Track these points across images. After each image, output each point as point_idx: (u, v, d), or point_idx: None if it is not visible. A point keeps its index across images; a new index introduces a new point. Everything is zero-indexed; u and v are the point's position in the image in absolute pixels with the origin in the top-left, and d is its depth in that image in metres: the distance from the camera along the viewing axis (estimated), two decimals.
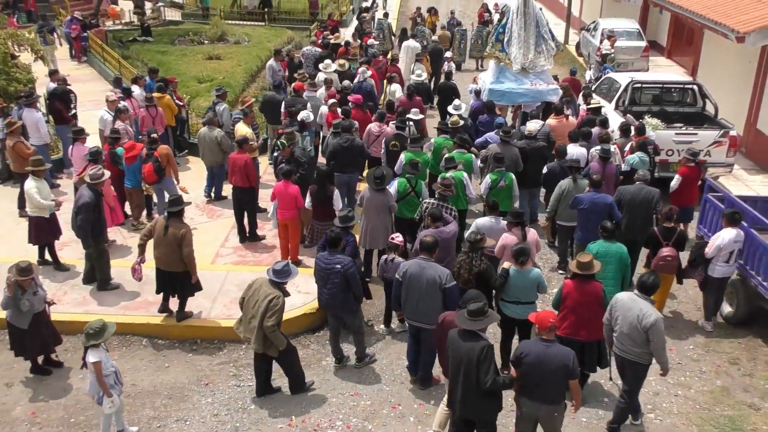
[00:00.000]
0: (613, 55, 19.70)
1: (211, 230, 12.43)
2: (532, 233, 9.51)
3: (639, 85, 15.45)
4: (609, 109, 14.94)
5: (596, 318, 7.97)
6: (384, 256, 9.65)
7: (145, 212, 12.67)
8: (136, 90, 15.41)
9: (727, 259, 9.69)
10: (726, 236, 9.60)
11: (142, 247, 9.60)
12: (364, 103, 14.48)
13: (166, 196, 11.48)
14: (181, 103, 15.84)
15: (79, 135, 12.29)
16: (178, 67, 21.56)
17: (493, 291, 8.72)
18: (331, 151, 12.22)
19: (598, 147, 11.93)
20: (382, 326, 10.09)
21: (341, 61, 17.50)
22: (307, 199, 10.91)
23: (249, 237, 12.05)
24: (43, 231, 10.82)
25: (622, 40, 21.66)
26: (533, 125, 13.19)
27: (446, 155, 11.59)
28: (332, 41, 20.03)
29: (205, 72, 21.12)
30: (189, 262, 9.34)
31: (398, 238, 9.55)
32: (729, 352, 9.67)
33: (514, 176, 11.40)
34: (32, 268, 8.41)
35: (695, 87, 15.60)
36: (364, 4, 31.32)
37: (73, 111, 15.13)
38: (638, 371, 7.74)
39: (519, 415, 7.16)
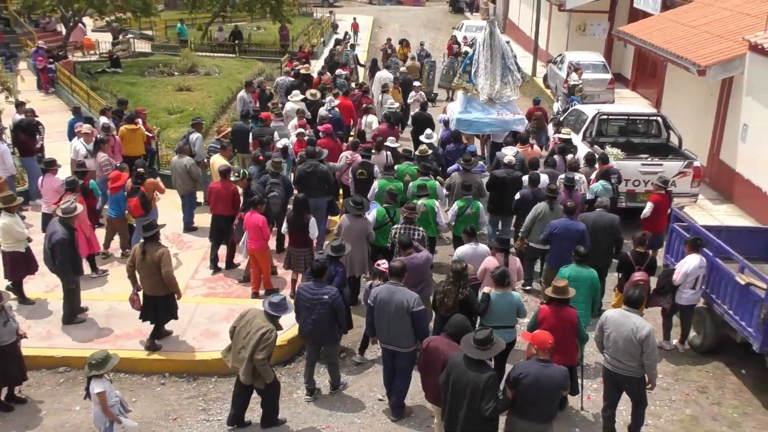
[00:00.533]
0: (581, 86, 20.07)
1: (180, 261, 12.30)
2: (514, 260, 9.66)
3: (605, 116, 15.74)
4: (576, 140, 15.17)
5: (570, 343, 8.09)
6: (369, 282, 9.70)
7: (124, 243, 12.54)
8: (104, 120, 15.38)
9: (693, 286, 9.87)
10: (691, 263, 9.81)
11: (132, 277, 9.55)
12: (333, 132, 14.62)
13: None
14: (151, 135, 15.75)
15: (51, 166, 12.16)
16: (148, 99, 21.49)
17: (476, 317, 8.72)
18: (296, 176, 12.46)
19: (563, 176, 12.23)
20: (357, 355, 10.00)
21: (313, 91, 17.71)
22: (284, 226, 10.99)
23: (226, 265, 12.05)
24: (19, 266, 10.60)
25: (588, 73, 22.08)
26: (510, 153, 13.31)
27: (417, 182, 11.76)
28: (303, 72, 20.26)
29: (175, 103, 21.07)
30: (168, 282, 9.35)
31: (384, 264, 9.44)
32: (697, 380, 9.76)
33: (480, 204, 11.57)
34: (2, 296, 8.23)
35: (659, 119, 15.93)
36: (337, 37, 31.59)
37: (40, 143, 14.99)
38: (637, 385, 7.99)
39: None
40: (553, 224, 10.69)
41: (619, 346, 7.81)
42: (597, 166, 13.23)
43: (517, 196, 12.21)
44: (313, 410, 8.88)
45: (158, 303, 9.55)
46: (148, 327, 9.82)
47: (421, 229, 10.48)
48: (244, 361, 7.83)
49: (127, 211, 12.03)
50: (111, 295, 11.08)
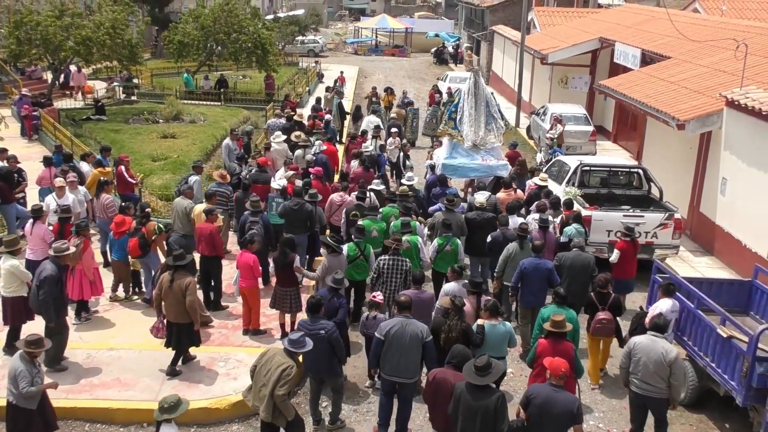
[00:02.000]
0: (555, 139, 20.51)
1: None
2: (488, 300, 9.84)
3: (588, 168, 15.94)
4: (559, 191, 15.32)
5: (569, 377, 8.16)
6: (366, 314, 10.13)
7: (126, 286, 12.51)
8: (85, 167, 15.54)
9: None
10: (663, 306, 9.97)
11: (159, 307, 10.03)
12: (323, 175, 15.23)
13: (152, 270, 11.86)
14: (134, 181, 15.74)
15: (38, 214, 12.00)
16: (132, 146, 21.50)
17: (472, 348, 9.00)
18: (281, 212, 13.14)
19: (537, 217, 12.70)
20: (368, 381, 10.39)
21: (297, 133, 18.32)
22: (271, 266, 11.32)
23: (213, 306, 12.13)
24: (21, 311, 10.38)
25: (571, 125, 22.43)
26: (481, 197, 13.93)
27: (400, 221, 12.34)
28: (296, 118, 20.73)
29: (159, 150, 21.08)
30: (192, 311, 9.81)
31: (379, 296, 10.05)
32: None
33: (459, 241, 12.08)
34: (43, 341, 8.18)
35: (641, 171, 16.15)
36: (327, 85, 31.83)
37: (22, 192, 14.87)
38: (663, 405, 8.71)
39: None
40: (523, 263, 11.08)
41: (649, 370, 8.46)
42: (562, 210, 13.65)
43: (489, 238, 12.57)
44: None
45: (181, 330, 9.96)
46: (126, 377, 9.75)
47: (407, 260, 10.95)
48: (265, 399, 7.93)
49: (131, 258, 12.07)
50: (89, 344, 10.89)
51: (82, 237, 11.22)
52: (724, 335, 9.27)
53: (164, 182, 17.75)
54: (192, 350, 10.77)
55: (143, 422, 9.28)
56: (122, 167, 15.41)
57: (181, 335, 10.01)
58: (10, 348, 10.37)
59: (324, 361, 8.87)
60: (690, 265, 15.20)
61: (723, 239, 15.41)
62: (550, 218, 12.75)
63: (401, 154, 18.72)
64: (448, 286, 10.36)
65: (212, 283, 12.23)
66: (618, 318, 10.49)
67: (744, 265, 14.16)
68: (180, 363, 10.20)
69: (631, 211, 14.41)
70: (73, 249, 10.54)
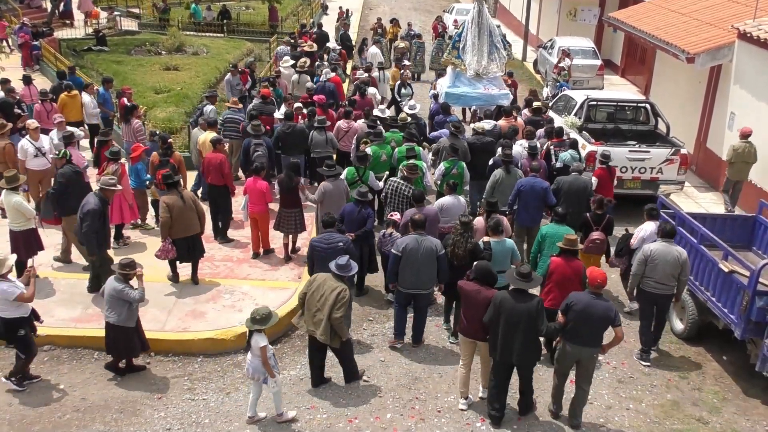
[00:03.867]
0: (566, 72, 20.24)
1: None
2: (500, 218, 10.34)
3: (594, 102, 15.76)
4: (565, 126, 15.19)
5: (578, 291, 8.65)
6: (383, 231, 10.62)
7: (143, 214, 12.72)
8: (87, 98, 15.57)
9: None
10: (648, 228, 10.35)
11: (166, 231, 10.42)
12: (326, 103, 15.56)
13: None
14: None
15: (70, 140, 12.28)
16: (135, 78, 21.27)
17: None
18: (275, 137, 13.68)
19: (526, 144, 13.19)
20: (388, 295, 11.01)
21: (304, 59, 18.48)
22: (276, 189, 11.76)
23: (220, 236, 12.39)
24: (32, 244, 10.45)
25: (578, 59, 22.09)
26: (484, 124, 14.30)
27: (404, 146, 12.73)
28: (307, 49, 20.58)
29: (162, 83, 20.86)
30: (202, 215, 10.76)
31: (396, 215, 10.60)
32: (679, 366, 9.86)
33: (465, 165, 12.49)
34: (135, 263, 8.57)
35: (648, 105, 15.97)
36: (328, 17, 31.37)
37: (23, 123, 14.75)
38: (670, 301, 9.80)
39: (561, 356, 8.30)
40: (520, 182, 11.62)
41: (666, 272, 9.39)
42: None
43: (491, 162, 12.87)
44: (297, 390, 8.91)
45: (195, 240, 10.64)
46: None
47: (412, 187, 11.31)
48: (322, 322, 8.35)
49: (152, 187, 12.21)
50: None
51: (119, 163, 11.37)
52: (726, 270, 9.33)
53: (168, 115, 17.62)
54: (200, 281, 10.91)
55: (151, 351, 9.44)
56: (124, 99, 15.30)
57: (196, 246, 10.66)
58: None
59: None
60: (694, 200, 15.18)
61: None
62: (538, 145, 13.23)
63: (399, 82, 18.94)
64: (443, 200, 10.99)
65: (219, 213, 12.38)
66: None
67: (748, 200, 14.14)
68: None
69: (636, 146, 14.31)
70: (120, 187, 10.70)
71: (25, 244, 10.41)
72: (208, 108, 14.65)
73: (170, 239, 10.40)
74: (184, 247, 10.55)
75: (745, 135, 13.84)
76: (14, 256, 8.99)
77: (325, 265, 9.04)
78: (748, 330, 9.01)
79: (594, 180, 12.50)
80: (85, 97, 15.56)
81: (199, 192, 13.33)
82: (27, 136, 12.47)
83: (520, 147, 13.20)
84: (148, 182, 12.25)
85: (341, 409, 8.61)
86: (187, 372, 9.22)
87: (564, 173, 12.47)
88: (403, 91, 18.59)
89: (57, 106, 15.16)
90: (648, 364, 9.83)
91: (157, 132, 13.21)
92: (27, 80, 16.44)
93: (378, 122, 14.19)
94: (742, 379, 9.60)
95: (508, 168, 12.06)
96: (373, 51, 22.10)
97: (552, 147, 13.56)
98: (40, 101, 15.24)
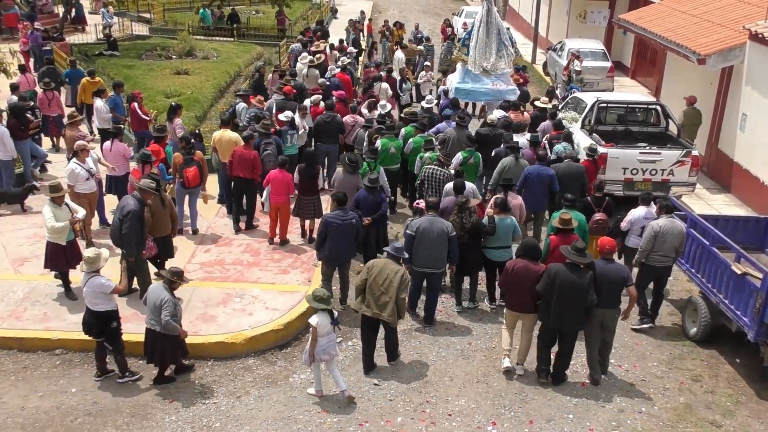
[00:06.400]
0: (581, 75, 20.25)
1: (177, 245, 12.26)
2: (515, 196, 11.40)
3: (604, 104, 15.70)
4: (575, 128, 15.15)
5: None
6: (409, 219, 10.89)
7: None
8: (99, 102, 15.59)
9: (639, 234, 10.84)
10: (637, 213, 10.95)
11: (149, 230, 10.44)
12: (345, 98, 16.48)
13: (186, 203, 12.56)
14: (148, 118, 15.71)
15: (119, 132, 13.01)
16: (145, 82, 21.37)
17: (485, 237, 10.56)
18: (316, 124, 14.48)
19: (528, 136, 14.05)
20: None
21: (319, 55, 19.74)
22: (296, 176, 12.26)
23: (246, 225, 12.93)
24: (59, 258, 10.25)
25: (588, 61, 22.00)
26: (495, 115, 15.12)
27: (421, 137, 13.61)
28: (313, 49, 21.06)
29: (172, 87, 20.93)
30: (175, 218, 10.88)
31: (421, 203, 10.85)
32: (692, 369, 9.80)
33: (480, 155, 13.19)
34: (184, 274, 8.76)
35: (658, 107, 15.91)
36: (351, 18, 31.30)
37: (36, 128, 14.86)
38: (670, 271, 10.57)
39: (588, 322, 9.05)
40: (528, 170, 12.36)
41: (673, 245, 10.12)
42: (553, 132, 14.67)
43: (493, 153, 13.53)
44: (308, 394, 8.90)
45: (167, 241, 10.73)
46: (144, 309, 9.79)
47: (446, 171, 12.08)
48: (388, 304, 8.93)
49: (171, 186, 12.43)
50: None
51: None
52: (739, 272, 9.27)
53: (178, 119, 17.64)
54: (208, 286, 10.94)
55: (189, 357, 9.38)
56: (135, 104, 15.38)
57: (168, 245, 10.77)
58: (68, 291, 10.45)
59: (351, 245, 10.43)
60: (706, 202, 15.09)
61: (740, 176, 15.25)
62: (540, 135, 14.07)
63: (399, 78, 19.42)
64: (449, 185, 11.48)
65: (244, 206, 12.93)
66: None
67: (761, 202, 14.06)
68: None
69: (647, 148, 14.24)
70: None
71: (51, 257, 10.26)
72: (241, 106, 15.16)
73: (152, 237, 10.53)
74: (161, 246, 10.63)
75: (692, 102, 16.14)
76: (107, 251, 9.08)
77: (338, 240, 10.16)
78: (761, 332, 8.95)
79: None
80: (98, 102, 15.61)
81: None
82: (74, 159, 11.88)
83: (523, 139, 13.90)
84: (170, 182, 12.42)
85: (352, 413, 8.60)
86: (198, 375, 9.23)
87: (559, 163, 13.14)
88: (404, 86, 19.30)
89: (80, 89, 17.27)
90: (650, 325, 10.59)
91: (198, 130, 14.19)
92: (22, 69, 17.56)
93: (386, 117, 14.93)
94: (756, 382, 9.52)
95: (516, 157, 12.72)
96: (399, 56, 22.52)
97: (552, 140, 14.26)
98: (42, 89, 16.13)
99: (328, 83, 17.44)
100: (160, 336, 8.63)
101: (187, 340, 9.52)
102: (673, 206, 10.56)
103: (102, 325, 8.74)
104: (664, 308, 11.22)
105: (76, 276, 9.92)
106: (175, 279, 8.59)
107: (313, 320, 8.39)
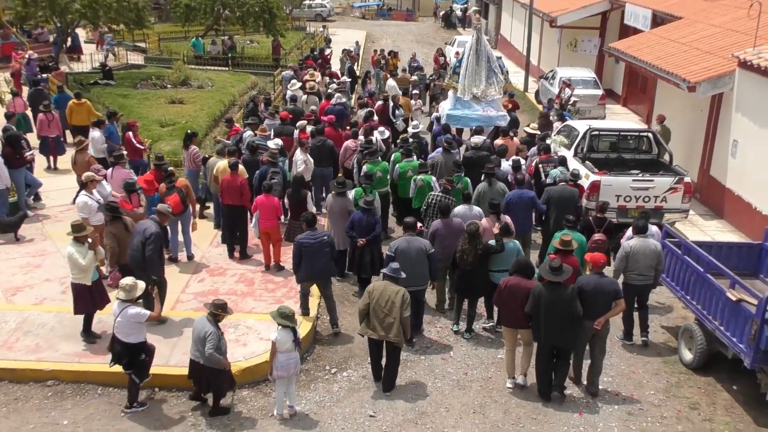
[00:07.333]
0: (578, 106, 20.47)
1: (171, 275, 12.20)
2: (505, 217, 11.41)
3: (597, 132, 15.79)
4: (568, 156, 15.23)
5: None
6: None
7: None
8: (96, 133, 15.57)
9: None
10: (631, 233, 11.14)
11: (114, 259, 10.49)
12: (335, 123, 16.65)
13: (179, 230, 12.51)
14: (143, 147, 15.74)
15: (120, 160, 13.08)
16: (140, 111, 21.44)
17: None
18: (310, 148, 14.55)
19: (512, 159, 14.10)
20: None
21: (311, 83, 20.20)
22: (285, 202, 12.63)
23: (240, 255, 12.90)
24: (84, 300, 9.92)
25: (580, 89, 22.20)
26: (477, 139, 15.57)
27: (416, 162, 13.95)
28: (308, 78, 21.27)
29: (167, 116, 21.02)
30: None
31: (418, 225, 11.15)
32: (689, 396, 9.75)
33: (468, 180, 13.43)
34: (227, 306, 8.73)
35: (650, 134, 16.00)
36: (345, 48, 31.60)
37: (30, 155, 14.87)
38: (649, 290, 10.89)
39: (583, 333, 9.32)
40: (508, 195, 12.65)
41: (647, 263, 10.47)
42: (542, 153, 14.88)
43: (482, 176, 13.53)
44: (304, 426, 8.81)
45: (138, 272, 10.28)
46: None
47: (453, 198, 12.28)
48: (394, 324, 9.05)
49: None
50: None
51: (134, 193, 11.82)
52: (734, 298, 9.27)
53: (173, 148, 17.72)
54: (202, 316, 10.85)
55: (155, 387, 9.37)
56: (130, 133, 15.42)
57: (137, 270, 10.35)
58: (88, 334, 10.13)
59: (328, 263, 10.63)
60: (700, 228, 15.15)
61: (733, 202, 15.34)
62: (522, 161, 14.19)
63: (392, 104, 19.68)
64: (458, 209, 11.78)
65: (237, 234, 12.93)
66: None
67: (754, 227, 14.11)
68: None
69: (640, 175, 14.32)
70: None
71: (76, 298, 9.92)
72: (247, 134, 15.33)
73: (117, 266, 10.54)
74: (125, 273, 10.33)
75: (662, 121, 17.25)
76: (143, 284, 9.05)
77: (313, 259, 10.41)
78: (757, 359, 8.92)
79: None
80: (95, 133, 15.57)
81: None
82: (84, 191, 11.80)
83: (506, 164, 14.13)
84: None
85: None
86: (191, 407, 9.13)
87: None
88: (396, 112, 19.60)
89: (67, 111, 17.51)
90: (631, 342, 10.90)
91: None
92: (14, 93, 18.34)
93: (372, 142, 15.05)
94: (753, 409, 9.48)
95: (489, 181, 12.96)
96: (391, 83, 22.98)
97: (540, 164, 14.51)
98: (42, 111, 16.79)
99: (332, 108, 18.03)
100: (204, 368, 8.56)
101: (182, 372, 9.48)
102: (646, 226, 10.79)
103: (132, 357, 8.71)
104: (660, 336, 11.25)
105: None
106: (219, 311, 8.56)
107: (273, 335, 8.57)
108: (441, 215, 11.33)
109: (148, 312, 8.74)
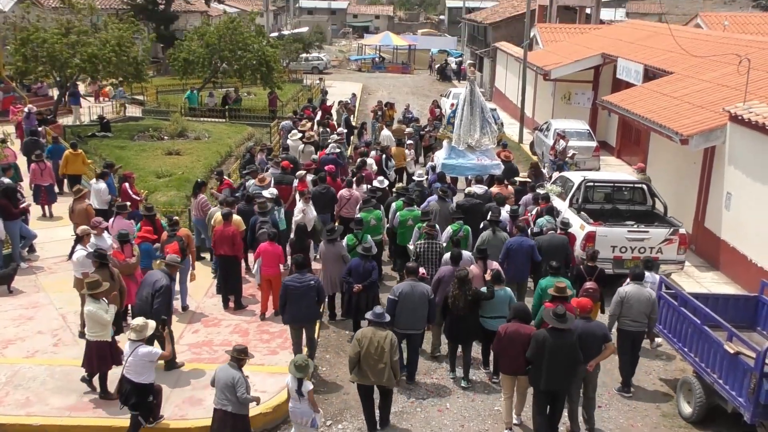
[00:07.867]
0: (576, 159, 20.70)
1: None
2: (491, 263, 11.55)
3: (591, 183, 15.90)
4: (563, 207, 15.30)
5: None
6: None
7: None
8: (102, 185, 15.58)
9: None
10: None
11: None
12: (334, 172, 16.88)
13: (177, 280, 11.83)
14: (139, 198, 15.77)
15: (123, 210, 13.19)
16: (137, 162, 21.56)
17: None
18: (312, 195, 14.90)
19: (509, 209, 14.38)
20: None
21: (310, 134, 20.82)
22: (288, 250, 12.55)
23: (235, 306, 12.89)
24: (106, 359, 9.72)
25: (574, 140, 22.42)
26: (479, 189, 15.95)
27: (416, 211, 14.17)
28: (300, 128, 21.92)
29: (164, 167, 21.13)
30: (124, 292, 10.77)
31: (421, 269, 11.45)
32: None
33: (469, 228, 13.60)
34: (247, 350, 8.78)
35: (644, 186, 16.10)
36: (341, 100, 31.96)
37: (25, 203, 14.89)
38: (643, 336, 10.97)
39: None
40: (509, 242, 12.74)
41: (641, 310, 10.59)
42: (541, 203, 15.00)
43: (481, 226, 13.79)
44: None
45: (118, 315, 10.43)
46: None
47: (440, 243, 12.63)
48: (385, 369, 9.14)
49: (158, 261, 12.27)
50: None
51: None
52: (732, 351, 9.21)
53: (169, 199, 17.78)
54: (196, 367, 10.76)
55: None
56: (126, 184, 15.47)
57: (117, 318, 10.36)
58: (105, 393, 9.90)
59: (314, 307, 10.71)
60: (695, 280, 15.13)
61: (728, 254, 15.36)
62: (519, 208, 14.58)
63: (384, 155, 19.83)
64: (447, 256, 11.77)
65: (230, 285, 12.90)
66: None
67: (749, 279, 14.10)
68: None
69: (635, 226, 14.37)
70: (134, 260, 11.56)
71: (98, 355, 9.70)
72: (250, 182, 15.67)
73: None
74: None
75: (642, 170, 18.23)
76: (153, 322, 9.08)
77: (299, 302, 10.49)
78: (757, 413, 8.83)
79: None
80: (100, 185, 15.55)
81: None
82: (80, 246, 11.80)
83: (504, 212, 14.27)
84: (158, 261, 12.29)
85: None
86: None
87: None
88: (389, 163, 19.86)
89: (62, 161, 17.85)
90: (629, 395, 10.82)
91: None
92: (2, 141, 18.59)
93: (376, 191, 15.56)
94: None
95: (494, 230, 13.10)
96: (385, 134, 23.31)
97: (539, 212, 14.71)
98: (35, 161, 16.89)
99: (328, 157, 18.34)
100: (230, 417, 8.49)
101: (173, 425, 9.37)
102: (642, 273, 10.98)
103: (140, 398, 8.69)
104: (659, 388, 11.12)
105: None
106: (242, 356, 8.60)
107: (310, 385, 8.70)
108: (452, 263, 11.37)
109: (159, 350, 8.78)
